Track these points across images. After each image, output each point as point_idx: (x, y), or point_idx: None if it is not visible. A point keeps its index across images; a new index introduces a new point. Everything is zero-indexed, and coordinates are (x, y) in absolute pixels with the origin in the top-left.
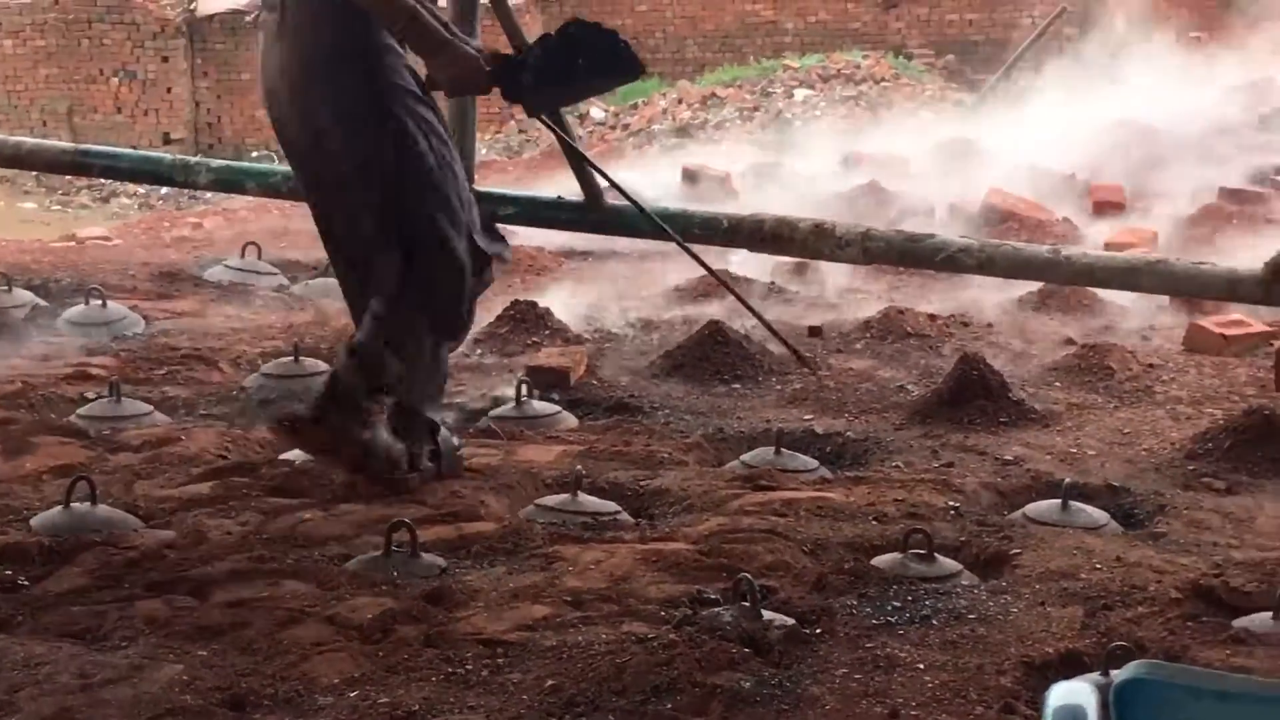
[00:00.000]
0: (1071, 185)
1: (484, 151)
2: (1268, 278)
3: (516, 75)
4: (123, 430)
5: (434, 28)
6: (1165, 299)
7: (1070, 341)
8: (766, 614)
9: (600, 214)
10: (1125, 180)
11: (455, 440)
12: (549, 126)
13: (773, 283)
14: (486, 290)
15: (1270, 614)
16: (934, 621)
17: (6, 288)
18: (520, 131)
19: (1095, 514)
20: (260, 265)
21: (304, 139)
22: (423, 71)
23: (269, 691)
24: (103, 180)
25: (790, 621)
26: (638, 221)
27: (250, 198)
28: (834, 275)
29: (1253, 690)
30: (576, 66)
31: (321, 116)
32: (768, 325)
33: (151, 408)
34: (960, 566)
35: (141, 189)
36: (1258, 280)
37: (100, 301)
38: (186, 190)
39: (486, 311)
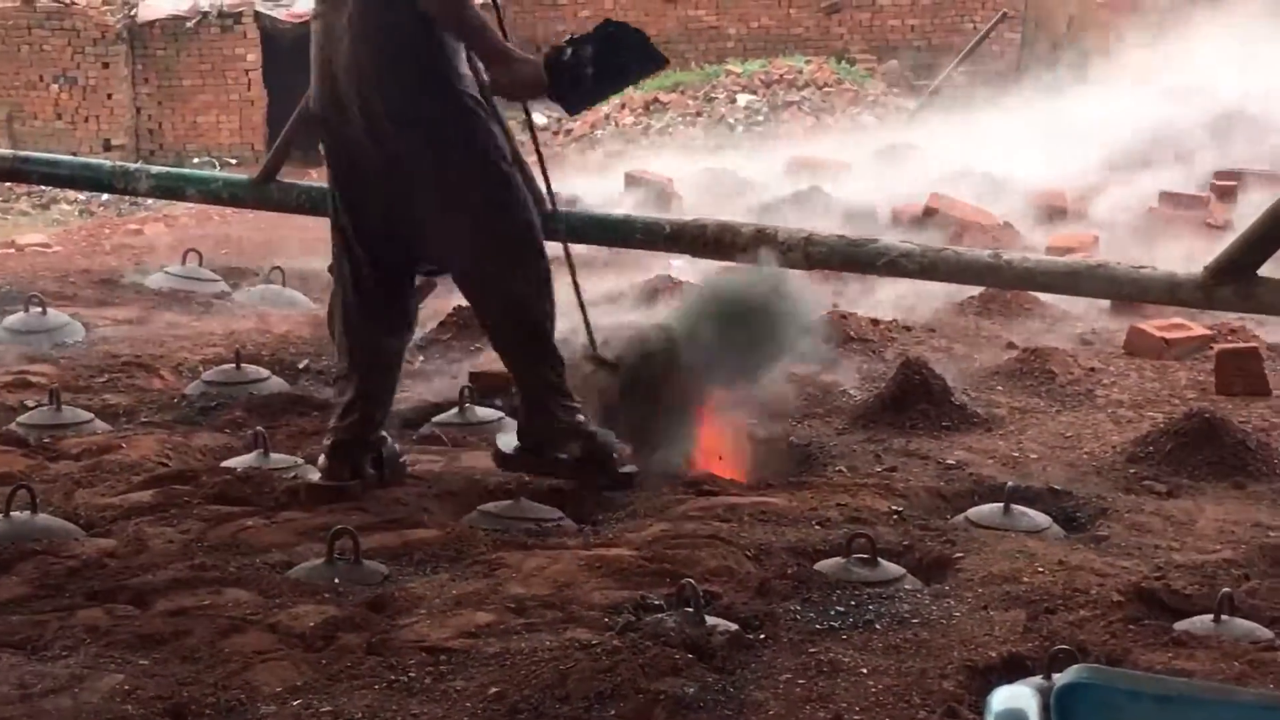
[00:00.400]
0: (1013, 189)
1: None
2: (1207, 281)
3: (575, 74)
4: (63, 438)
5: (499, 36)
6: (1106, 303)
7: (1012, 345)
8: (710, 619)
9: (543, 220)
10: (1067, 184)
11: (398, 446)
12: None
13: None
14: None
15: (1211, 616)
16: (877, 626)
17: None
18: None
19: (1037, 517)
20: (201, 272)
21: (366, 132)
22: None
23: (210, 701)
24: (42, 187)
25: (734, 627)
26: (579, 226)
27: (191, 204)
28: None
29: (1192, 693)
30: (622, 64)
31: (394, 111)
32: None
33: (92, 415)
34: (903, 571)
35: (82, 195)
36: (1197, 284)
37: (40, 309)
38: (127, 196)
39: (430, 317)
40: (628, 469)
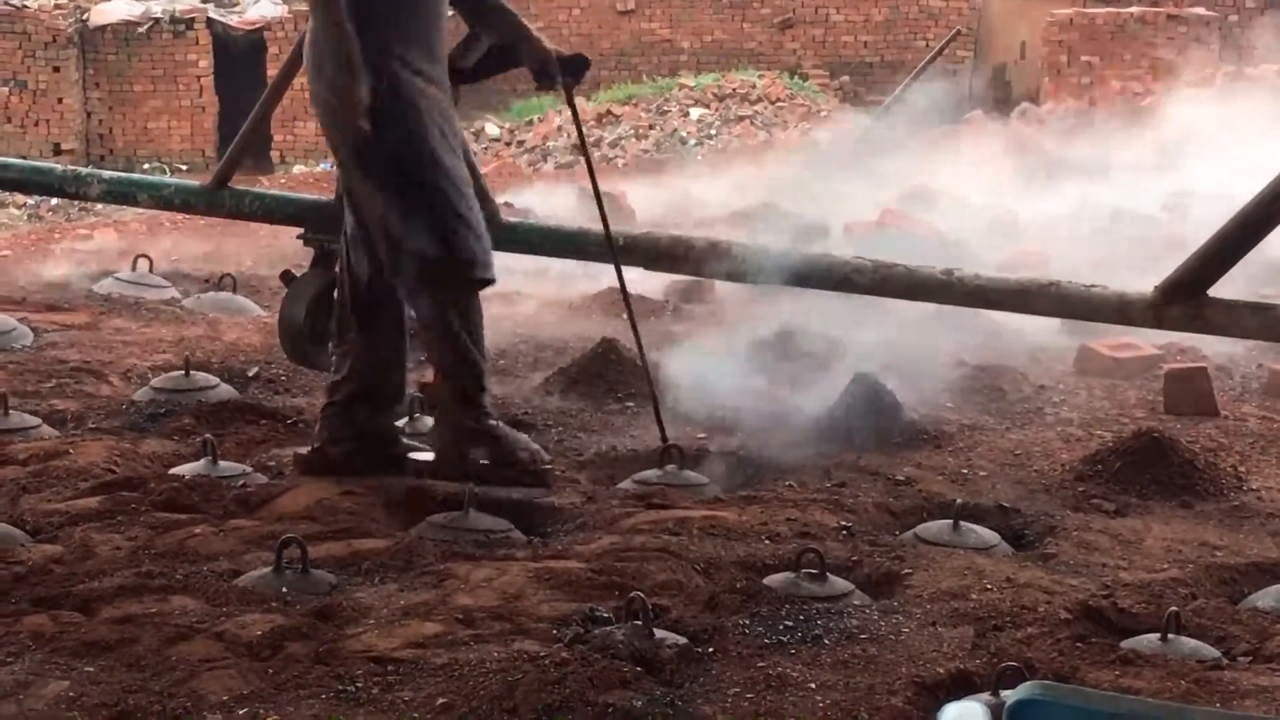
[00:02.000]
0: (966, 205)
1: None
2: (1157, 301)
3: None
4: (10, 443)
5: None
6: (1057, 320)
7: (963, 362)
8: (659, 633)
9: (494, 231)
10: (1020, 200)
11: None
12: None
13: (668, 301)
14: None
15: (1158, 635)
16: (825, 641)
17: None
18: None
19: (986, 535)
20: (151, 278)
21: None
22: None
23: (156, 708)
24: None
25: (682, 640)
26: (532, 238)
27: (141, 210)
28: (729, 294)
29: (1144, 711)
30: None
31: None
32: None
33: (40, 421)
34: (852, 586)
35: (31, 200)
36: (1147, 304)
37: None
38: (77, 201)
39: None
40: (542, 467)
